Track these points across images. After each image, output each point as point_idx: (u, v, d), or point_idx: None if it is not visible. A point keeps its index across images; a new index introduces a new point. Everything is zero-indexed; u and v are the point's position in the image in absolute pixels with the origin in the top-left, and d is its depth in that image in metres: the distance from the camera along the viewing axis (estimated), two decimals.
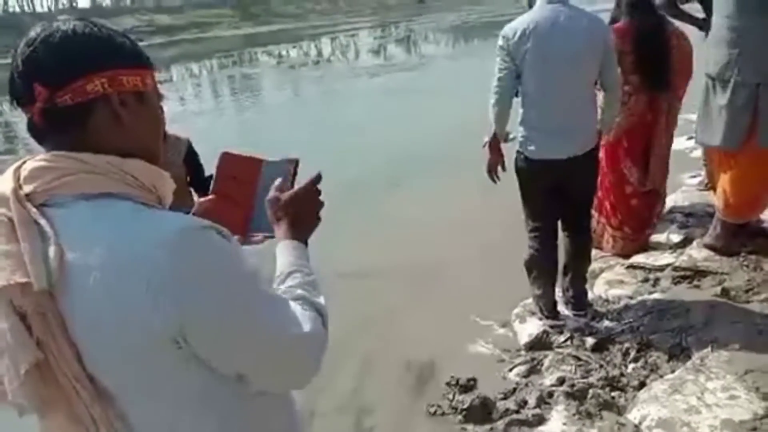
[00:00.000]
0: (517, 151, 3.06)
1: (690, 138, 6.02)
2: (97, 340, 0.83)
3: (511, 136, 3.12)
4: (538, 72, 2.88)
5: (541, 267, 3.19)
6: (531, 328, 3.24)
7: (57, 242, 0.82)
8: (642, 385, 2.69)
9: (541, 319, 3.27)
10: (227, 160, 1.21)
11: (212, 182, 1.21)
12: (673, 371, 2.69)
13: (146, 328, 0.81)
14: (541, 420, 2.61)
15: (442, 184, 5.99)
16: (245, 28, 37.99)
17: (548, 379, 2.85)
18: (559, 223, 3.19)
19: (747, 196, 3.34)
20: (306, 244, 1.12)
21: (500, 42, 2.92)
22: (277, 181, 1.15)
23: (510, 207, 3.29)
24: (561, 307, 3.32)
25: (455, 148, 6.58)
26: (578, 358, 2.96)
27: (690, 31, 3.94)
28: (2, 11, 41.79)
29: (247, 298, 0.90)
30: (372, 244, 4.83)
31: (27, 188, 0.86)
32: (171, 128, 2.88)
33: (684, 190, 4.76)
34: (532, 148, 2.99)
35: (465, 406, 2.73)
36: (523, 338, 3.21)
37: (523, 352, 3.14)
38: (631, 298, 3.40)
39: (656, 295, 3.35)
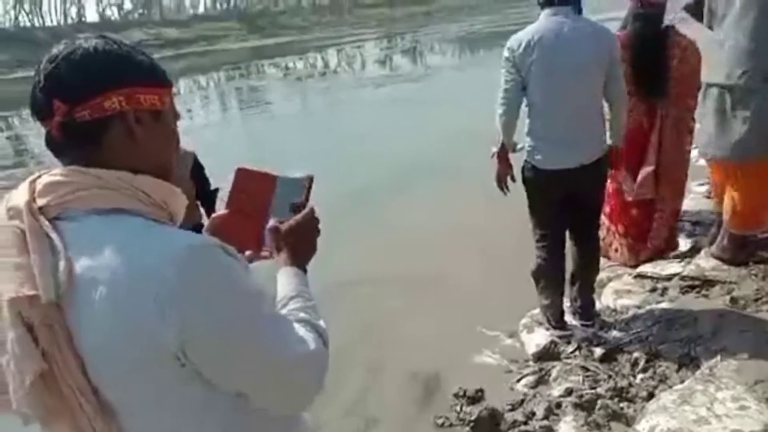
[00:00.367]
0: (525, 161, 3.07)
1: (695, 147, 6.02)
2: (102, 353, 0.84)
3: (519, 146, 3.12)
4: (543, 83, 2.89)
5: (548, 277, 3.18)
6: (538, 338, 3.23)
7: (66, 255, 0.83)
8: (651, 395, 2.67)
9: (548, 329, 3.26)
10: (242, 175, 1.22)
11: (227, 197, 1.21)
12: (682, 381, 2.67)
13: (151, 344, 0.82)
14: (549, 431, 2.59)
15: (448, 192, 6.00)
16: (252, 40, 38.25)
17: (556, 390, 2.84)
18: (567, 232, 3.19)
19: (753, 207, 3.33)
20: (305, 270, 1.14)
21: (505, 53, 2.93)
22: (281, 200, 1.17)
23: (517, 215, 3.28)
24: (569, 317, 3.31)
25: (461, 157, 6.64)
26: (586, 369, 2.94)
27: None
28: (13, 25, 42.25)
29: (251, 318, 0.90)
30: (378, 252, 4.85)
31: (40, 201, 0.88)
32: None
33: (691, 198, 4.74)
34: (539, 157, 3.00)
35: (473, 418, 2.72)
36: (531, 348, 3.20)
37: (530, 363, 3.13)
38: (639, 307, 3.38)
39: (664, 305, 3.34)
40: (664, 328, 3.13)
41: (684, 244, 3.96)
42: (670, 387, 2.67)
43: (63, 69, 0.89)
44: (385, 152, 7.91)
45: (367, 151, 8.17)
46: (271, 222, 1.15)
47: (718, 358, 2.73)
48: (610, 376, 2.87)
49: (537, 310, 3.39)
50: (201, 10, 54.15)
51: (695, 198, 4.71)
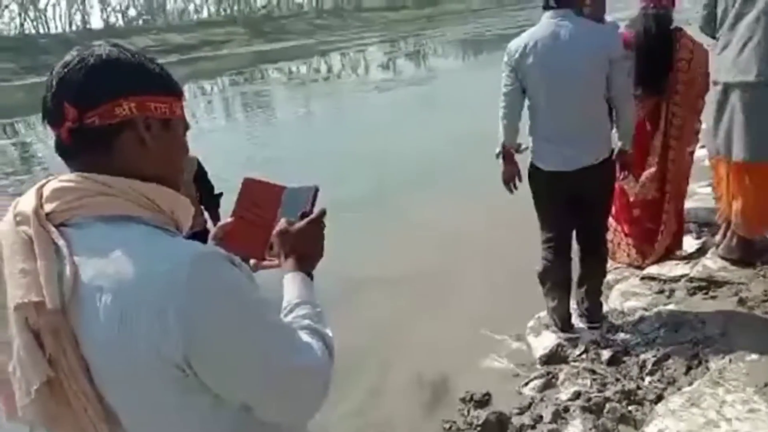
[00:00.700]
0: (530, 162, 3.07)
1: (702, 146, 5.99)
2: (106, 361, 0.84)
3: (523, 147, 3.12)
4: (541, 87, 2.90)
5: (554, 279, 3.17)
6: (546, 341, 3.22)
7: (72, 262, 0.83)
8: (659, 398, 2.65)
9: (555, 332, 3.25)
10: (249, 185, 1.24)
11: (234, 206, 1.23)
12: (690, 384, 2.65)
13: (153, 353, 0.82)
14: None
15: (455, 193, 6.02)
16: (256, 45, 38.34)
17: (564, 394, 2.82)
18: (574, 233, 3.17)
19: (763, 210, 3.31)
20: (311, 276, 1.14)
21: (505, 58, 2.96)
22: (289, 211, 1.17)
23: (526, 217, 3.27)
24: (576, 320, 3.29)
25: (467, 159, 6.68)
26: (594, 372, 2.92)
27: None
28: (18, 33, 42.50)
29: (255, 328, 0.90)
30: (386, 252, 4.88)
31: (48, 207, 0.88)
32: None
33: (697, 199, 4.72)
34: (541, 159, 3.01)
35: (480, 422, 2.71)
36: (538, 352, 3.19)
37: (537, 366, 3.12)
38: (646, 309, 3.37)
39: (672, 307, 3.32)
40: (671, 330, 3.12)
41: (691, 245, 3.94)
42: (679, 389, 2.65)
43: (75, 75, 0.89)
44: (391, 155, 7.93)
45: (373, 154, 8.19)
46: (279, 226, 1.15)
47: (727, 360, 2.71)
48: (617, 379, 2.85)
49: (544, 313, 3.38)
50: (205, 15, 54.37)
51: (701, 199, 4.68)
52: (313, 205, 1.19)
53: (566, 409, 2.69)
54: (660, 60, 3.55)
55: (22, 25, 44.17)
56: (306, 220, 1.16)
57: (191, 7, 55.50)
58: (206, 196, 3.29)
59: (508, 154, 3.11)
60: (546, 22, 2.86)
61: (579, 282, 3.26)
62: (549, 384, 2.95)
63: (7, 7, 43.89)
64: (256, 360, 0.89)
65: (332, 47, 31.09)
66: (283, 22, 47.59)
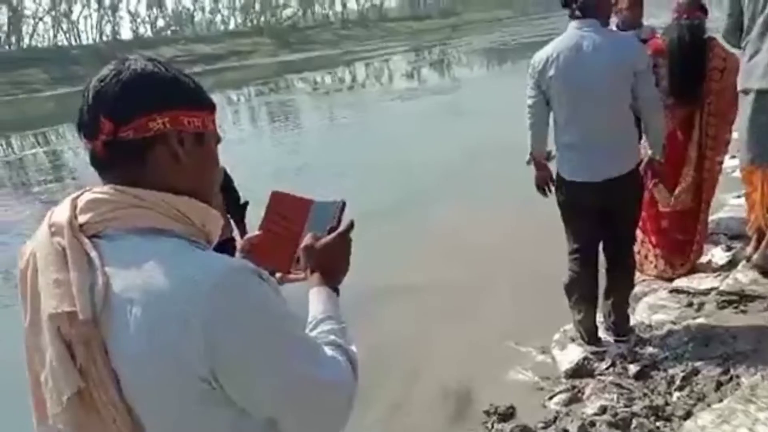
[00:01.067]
0: (557, 173, 3.05)
1: (733, 157, 5.89)
2: (135, 372, 0.85)
3: (552, 153, 3.11)
4: (564, 98, 2.89)
5: (581, 291, 3.14)
6: (571, 354, 3.18)
7: (104, 273, 0.84)
8: (688, 414, 2.60)
9: (581, 345, 3.20)
10: (277, 198, 1.24)
11: (261, 219, 1.23)
12: (721, 400, 2.60)
13: (180, 366, 0.82)
14: None
15: (480, 202, 6.03)
16: (281, 55, 38.73)
17: (590, 408, 2.78)
18: (601, 245, 3.13)
19: None
20: (337, 291, 1.14)
21: (529, 70, 2.97)
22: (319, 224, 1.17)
23: (553, 227, 3.24)
24: (602, 333, 3.25)
25: (493, 169, 6.70)
26: (621, 386, 2.88)
27: None
28: (51, 44, 43.51)
29: (283, 344, 0.90)
30: (410, 262, 4.90)
31: (82, 219, 0.89)
32: None
33: (728, 210, 4.64)
34: (566, 169, 3.00)
35: None
36: (564, 365, 3.14)
37: (563, 380, 3.08)
38: (674, 323, 3.31)
39: (701, 321, 3.26)
40: (701, 345, 3.06)
41: (721, 257, 3.87)
42: (709, 406, 2.59)
43: (111, 89, 0.91)
44: (416, 164, 7.95)
45: (397, 163, 8.22)
46: (305, 240, 1.15)
47: (759, 376, 2.65)
48: (645, 394, 2.80)
49: (570, 326, 3.34)
50: (232, 26, 55.11)
51: (732, 210, 4.60)
52: (340, 219, 1.19)
53: (592, 424, 2.65)
54: (693, 69, 3.51)
55: (55, 36, 45.22)
56: (332, 234, 1.16)
57: (218, 18, 56.32)
58: (232, 206, 3.32)
59: (538, 162, 3.10)
60: (570, 33, 2.85)
61: (606, 294, 3.21)
62: (575, 398, 2.91)
63: (41, 19, 44.99)
64: (282, 374, 0.89)
65: (357, 57, 31.28)
66: (308, 33, 48.01)
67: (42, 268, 0.88)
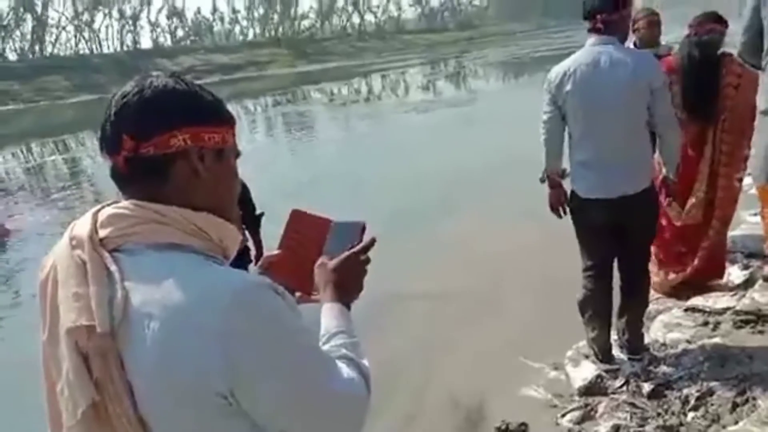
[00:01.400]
0: (571, 189, 3.04)
1: (749, 174, 5.83)
2: (150, 387, 0.86)
3: (568, 171, 3.10)
4: (579, 115, 2.89)
5: (594, 308, 3.12)
6: (584, 372, 3.15)
7: (123, 288, 0.85)
8: None
9: (595, 362, 3.18)
10: (296, 217, 1.24)
11: (280, 237, 1.23)
12: (736, 422, 2.56)
13: (197, 380, 0.83)
14: None
15: (495, 213, 6.06)
16: (299, 66, 39.04)
17: (603, 427, 2.75)
18: (616, 262, 3.12)
19: None
20: (349, 308, 1.14)
21: (545, 85, 2.97)
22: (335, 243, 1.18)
23: (568, 240, 3.22)
24: (616, 351, 3.22)
25: (508, 181, 6.73)
26: (634, 405, 2.85)
27: None
28: (73, 53, 44.18)
29: (297, 358, 0.91)
30: (424, 271, 4.93)
31: (102, 233, 0.91)
32: None
33: (745, 228, 4.59)
34: (580, 186, 2.98)
35: None
36: (577, 382, 3.12)
37: (576, 398, 3.05)
38: (689, 342, 3.27)
39: (717, 340, 3.22)
40: (716, 365, 3.02)
41: (737, 276, 3.83)
42: (724, 427, 2.56)
43: (133, 105, 0.92)
44: (431, 174, 7.99)
45: (413, 174, 8.26)
46: (321, 259, 1.16)
47: None
48: (659, 414, 2.77)
49: (583, 343, 3.32)
50: (250, 36, 55.64)
51: (749, 228, 4.55)
52: (361, 240, 1.18)
53: None
54: (705, 86, 3.49)
55: (77, 45, 45.94)
56: (348, 252, 1.16)
57: (237, 28, 56.92)
58: (248, 217, 3.35)
59: (552, 179, 3.10)
60: (588, 49, 2.85)
61: (620, 312, 3.19)
62: (587, 416, 2.88)
63: (64, 28, 45.76)
64: (297, 388, 0.90)
65: (374, 69, 31.45)
66: (325, 44, 48.35)
67: (62, 281, 0.90)
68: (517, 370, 3.34)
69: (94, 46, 46.58)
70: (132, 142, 0.91)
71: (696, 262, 3.74)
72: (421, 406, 3.22)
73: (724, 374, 2.93)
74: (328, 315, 1.10)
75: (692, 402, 2.80)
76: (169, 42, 51.43)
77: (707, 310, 3.54)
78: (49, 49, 44.14)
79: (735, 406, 2.71)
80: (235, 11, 56.03)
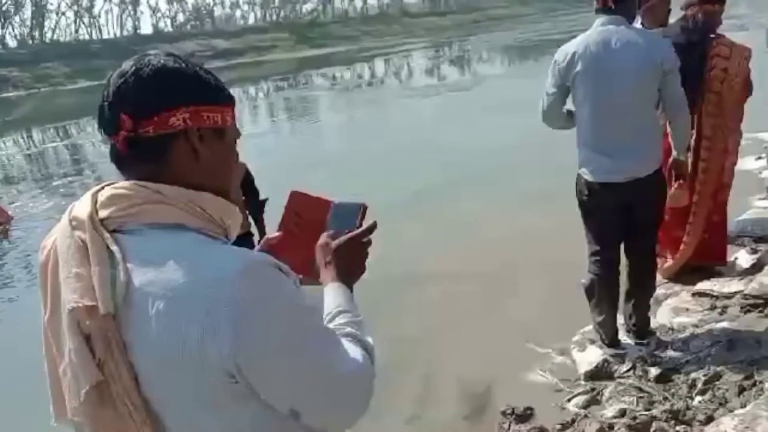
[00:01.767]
0: (578, 173, 3.01)
1: (759, 158, 5.79)
2: (155, 367, 0.85)
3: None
4: (589, 95, 2.84)
5: (601, 293, 3.09)
6: (591, 356, 3.14)
7: (125, 268, 0.84)
8: (710, 419, 2.55)
9: (601, 347, 3.16)
10: (296, 199, 1.22)
11: (281, 219, 1.22)
12: (743, 406, 2.55)
13: (203, 360, 0.82)
14: None
15: (505, 197, 6.06)
16: (301, 51, 38.82)
17: (609, 411, 2.75)
18: (623, 247, 3.09)
19: None
20: (351, 289, 1.13)
21: (551, 66, 2.93)
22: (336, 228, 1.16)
23: (576, 224, 3.19)
24: (622, 335, 3.20)
25: (515, 165, 6.77)
26: (641, 389, 2.84)
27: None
28: (72, 38, 44.00)
29: (305, 335, 0.90)
30: (431, 255, 4.97)
31: (102, 213, 0.89)
32: None
33: (753, 212, 4.55)
34: (588, 170, 2.94)
35: None
36: (583, 367, 3.11)
37: (582, 382, 3.04)
38: (697, 326, 3.26)
39: (724, 324, 3.20)
40: (724, 349, 3.01)
41: (746, 260, 3.80)
42: (731, 411, 2.54)
43: (131, 85, 0.90)
44: (436, 158, 8.00)
45: (418, 156, 8.28)
46: (321, 239, 1.14)
47: None
48: (665, 398, 2.76)
49: (589, 328, 3.30)
50: (251, 21, 55.30)
51: (757, 212, 4.52)
52: (362, 222, 1.17)
53: (611, 427, 2.61)
54: (688, 73, 3.41)
55: (76, 31, 45.73)
56: (350, 234, 1.14)
57: (238, 13, 56.58)
58: (252, 202, 3.34)
59: None
60: (597, 30, 2.81)
61: (627, 296, 3.17)
62: (593, 400, 2.87)
63: (63, 14, 45.56)
64: (306, 367, 0.89)
65: (377, 53, 31.25)
66: (328, 28, 48.05)
67: (63, 262, 0.89)
68: (523, 355, 3.34)
69: (94, 32, 46.41)
70: (131, 121, 0.89)
71: (686, 238, 3.70)
72: (427, 391, 3.23)
73: (732, 358, 2.92)
74: (331, 294, 1.10)
75: (699, 386, 2.79)
76: (169, 27, 51.17)
77: (715, 294, 3.52)
78: (48, 35, 43.99)
79: (742, 389, 2.70)
80: None
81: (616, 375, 3.00)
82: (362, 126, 12.59)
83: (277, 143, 11.36)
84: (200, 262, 0.85)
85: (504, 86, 14.96)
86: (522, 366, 3.26)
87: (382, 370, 1.02)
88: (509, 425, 2.81)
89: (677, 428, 2.55)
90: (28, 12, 43.02)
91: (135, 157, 0.92)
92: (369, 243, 1.17)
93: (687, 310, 3.46)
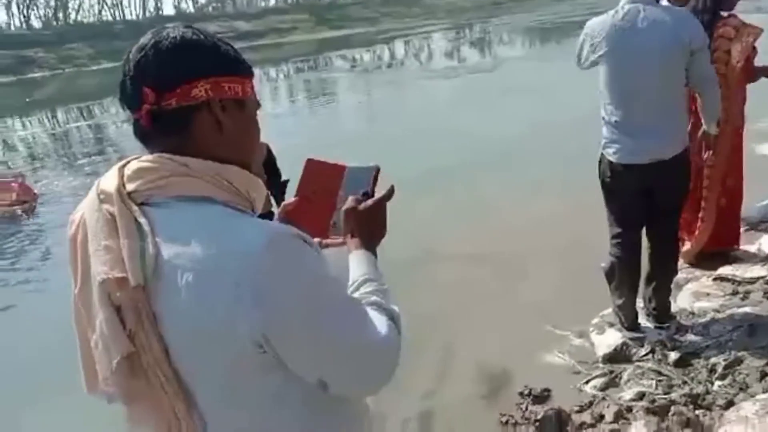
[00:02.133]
0: (601, 154, 2.98)
1: None
2: (185, 339, 0.86)
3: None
4: (614, 75, 2.81)
5: (622, 276, 3.07)
6: (610, 339, 3.13)
7: (154, 241, 0.85)
8: (730, 404, 2.54)
9: (620, 330, 3.15)
10: (311, 165, 1.25)
11: (297, 186, 1.24)
12: (765, 391, 2.54)
13: (231, 331, 0.83)
14: None
15: (526, 178, 6.05)
16: (321, 32, 38.65)
17: (627, 394, 2.74)
18: (645, 229, 3.06)
19: None
20: (375, 254, 1.14)
21: (582, 34, 2.91)
22: (354, 193, 1.18)
23: (594, 208, 3.19)
24: (642, 319, 3.18)
25: (538, 146, 6.72)
26: (660, 373, 2.83)
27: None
28: (96, 20, 44.26)
29: (332, 304, 0.91)
30: (457, 232, 5.00)
31: (130, 186, 0.90)
32: None
33: None
34: (612, 151, 2.90)
35: (538, 417, 2.67)
36: (601, 350, 3.10)
37: (600, 365, 3.03)
38: (718, 311, 3.23)
39: (746, 309, 3.17)
40: (745, 334, 2.98)
41: None
42: (752, 396, 2.53)
43: (151, 58, 0.91)
44: (452, 142, 7.92)
45: (435, 139, 8.22)
46: (347, 204, 1.16)
47: None
48: (684, 382, 2.75)
49: (609, 311, 3.29)
50: (272, 3, 55.13)
51: None
52: (374, 184, 1.19)
53: (629, 410, 2.61)
54: None
55: (100, 12, 45.98)
56: (374, 198, 1.16)
57: None
58: (274, 183, 3.36)
59: None
60: (626, 8, 2.76)
61: (647, 280, 3.14)
62: (611, 383, 2.87)
63: None
64: (333, 335, 0.90)
65: (396, 35, 31.00)
66: (347, 10, 47.71)
67: (92, 235, 0.90)
68: (541, 337, 3.34)
69: (117, 13, 46.60)
70: (153, 94, 0.90)
71: (700, 223, 3.66)
72: (445, 370, 3.24)
73: (754, 344, 2.89)
74: (356, 263, 1.11)
75: (719, 371, 2.77)
76: (191, 9, 51.24)
77: (737, 279, 3.48)
78: (72, 16, 44.29)
79: (764, 375, 2.68)
80: None
81: (634, 358, 2.99)
82: (382, 108, 12.54)
83: (297, 124, 11.36)
84: (228, 234, 0.85)
85: (524, 68, 14.79)
86: (540, 347, 3.25)
87: (403, 334, 1.03)
88: (526, 406, 2.82)
89: (696, 412, 2.54)
90: None
91: (158, 130, 0.92)
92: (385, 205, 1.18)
93: (708, 294, 3.42)
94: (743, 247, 3.79)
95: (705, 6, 3.33)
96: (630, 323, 3.13)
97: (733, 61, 3.36)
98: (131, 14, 47.42)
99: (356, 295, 1.04)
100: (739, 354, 2.83)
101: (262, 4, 55.05)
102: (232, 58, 0.97)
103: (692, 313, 3.26)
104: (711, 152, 3.23)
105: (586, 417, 2.65)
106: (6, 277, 5.73)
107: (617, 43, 2.74)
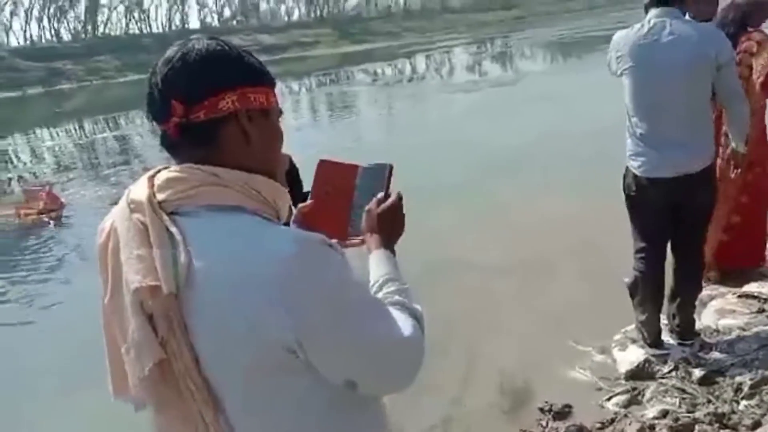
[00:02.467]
0: (626, 168, 2.96)
1: None
2: (214, 346, 0.87)
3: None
4: (639, 90, 2.80)
5: (645, 291, 3.03)
6: (632, 356, 3.09)
7: (186, 249, 0.86)
8: (757, 425, 2.49)
9: (643, 346, 3.11)
10: (325, 166, 1.26)
11: (311, 188, 1.25)
12: None
13: (262, 337, 0.84)
14: None
15: (540, 191, 6.05)
16: (343, 46, 39.01)
17: (650, 411, 2.70)
18: (669, 245, 3.02)
19: None
20: (394, 252, 1.16)
21: (610, 48, 2.89)
22: (376, 193, 1.20)
23: (618, 221, 3.15)
24: (666, 336, 3.14)
25: (560, 158, 6.71)
26: (683, 391, 2.78)
27: None
28: (123, 33, 45.13)
29: (359, 308, 0.93)
30: (480, 241, 5.01)
31: (160, 196, 0.91)
32: None
33: None
34: (637, 164, 2.88)
35: None
36: (624, 366, 3.06)
37: (622, 381, 2.99)
38: (743, 329, 3.17)
39: None
40: None
41: None
42: None
43: (179, 71, 0.92)
44: (478, 150, 7.99)
45: (459, 148, 8.29)
46: (369, 204, 1.17)
47: None
48: (709, 401, 2.70)
49: (631, 327, 3.24)
50: (295, 17, 55.79)
51: None
52: (389, 182, 1.20)
53: (652, 428, 2.57)
54: None
55: (127, 25, 46.90)
56: (393, 197, 1.18)
57: (282, 8, 57.13)
58: (296, 194, 3.39)
59: None
60: (651, 22, 2.75)
61: (671, 296, 3.09)
62: (634, 400, 2.83)
63: (115, 8, 46.75)
64: (363, 337, 0.92)
65: (418, 49, 31.17)
66: (370, 24, 48.11)
67: (123, 243, 0.91)
68: (563, 352, 3.30)
69: (143, 26, 47.48)
70: (182, 108, 0.91)
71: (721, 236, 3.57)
72: (466, 383, 3.22)
73: None
74: (377, 263, 1.12)
75: (745, 390, 2.71)
76: (216, 22, 52.02)
77: (763, 296, 3.42)
78: (101, 29, 45.21)
79: None
80: None
81: (657, 375, 2.94)
82: (402, 120, 12.60)
83: (319, 136, 11.45)
84: (259, 243, 0.87)
85: (545, 82, 14.75)
86: (561, 362, 3.22)
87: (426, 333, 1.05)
88: (547, 422, 2.79)
89: None
90: (81, 7, 44.32)
91: (187, 142, 0.93)
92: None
93: (733, 312, 3.36)
94: None
95: (733, 18, 3.30)
96: (653, 340, 3.09)
97: (753, 77, 3.32)
98: (158, 28, 48.30)
99: (380, 294, 1.06)
100: (766, 373, 2.77)
101: (286, 18, 55.73)
102: (257, 69, 0.98)
103: (717, 331, 3.21)
104: (738, 170, 3.17)
105: None
106: (33, 282, 5.84)
107: (640, 58, 2.74)
